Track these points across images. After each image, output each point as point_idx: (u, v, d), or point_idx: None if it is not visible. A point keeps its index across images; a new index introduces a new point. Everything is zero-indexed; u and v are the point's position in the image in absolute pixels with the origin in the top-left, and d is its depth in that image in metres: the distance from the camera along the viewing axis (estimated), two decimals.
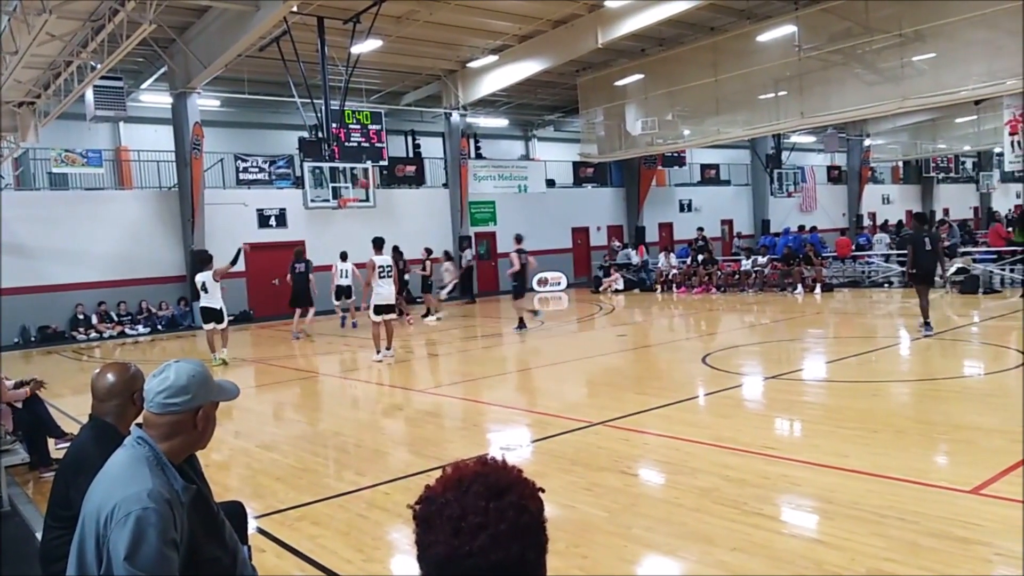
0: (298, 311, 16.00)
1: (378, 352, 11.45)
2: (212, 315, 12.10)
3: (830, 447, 5.62)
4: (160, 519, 1.97)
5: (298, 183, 21.21)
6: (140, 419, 2.26)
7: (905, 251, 14.01)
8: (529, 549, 1.12)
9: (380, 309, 11.27)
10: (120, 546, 1.93)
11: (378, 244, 11.75)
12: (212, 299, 12.01)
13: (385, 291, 11.21)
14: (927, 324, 10.91)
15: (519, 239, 14.60)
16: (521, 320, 14.39)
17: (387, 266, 11.34)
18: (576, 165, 28.26)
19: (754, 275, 20.43)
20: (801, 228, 23.51)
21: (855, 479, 4.80)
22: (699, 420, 7.07)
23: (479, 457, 1.23)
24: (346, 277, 17.15)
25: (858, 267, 20.90)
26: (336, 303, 17.74)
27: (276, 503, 5.14)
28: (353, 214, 21.33)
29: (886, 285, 18.84)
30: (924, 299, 11.05)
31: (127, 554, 1.92)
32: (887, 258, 20.34)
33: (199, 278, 12.10)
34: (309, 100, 18.58)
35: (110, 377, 2.91)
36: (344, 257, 17.42)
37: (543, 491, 1.22)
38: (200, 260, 12.56)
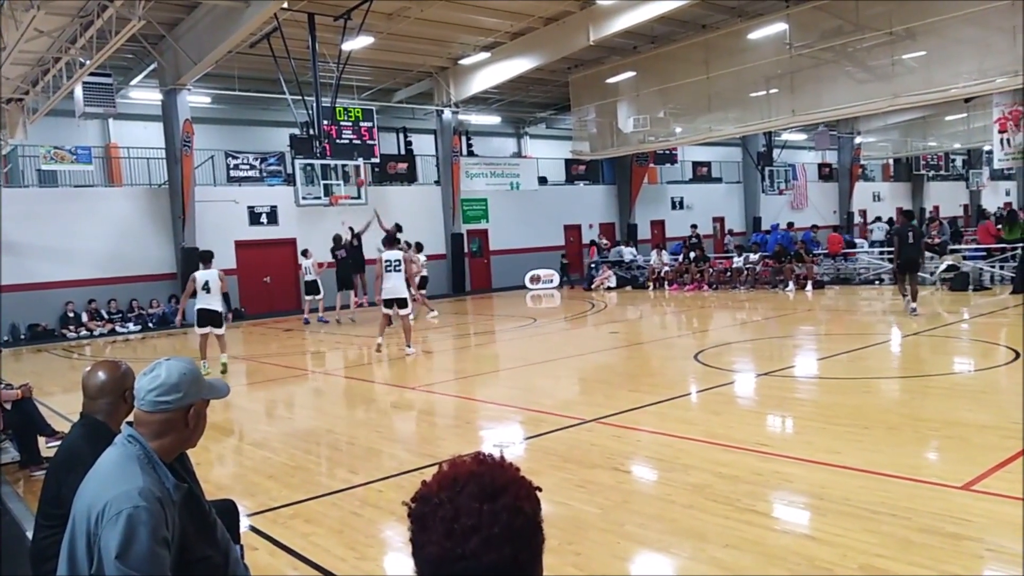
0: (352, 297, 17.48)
1: (379, 337, 11.89)
2: (211, 319, 10.76)
3: (822, 444, 5.63)
4: (151, 517, 1.96)
5: (289, 180, 21.17)
6: (131, 417, 2.24)
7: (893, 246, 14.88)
8: (523, 551, 1.11)
9: (387, 303, 11.58)
10: (111, 544, 1.92)
11: (387, 241, 11.95)
12: (213, 300, 10.68)
13: (389, 284, 11.45)
14: (913, 308, 12.43)
15: (420, 247, 17.47)
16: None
17: (395, 260, 11.54)
18: (568, 162, 28.29)
19: (746, 272, 20.48)
20: (790, 225, 23.58)
21: (847, 475, 4.82)
22: (691, 417, 7.08)
23: (476, 454, 1.22)
24: (310, 273, 17.59)
25: (849, 264, 20.98)
26: (307, 298, 17.97)
27: (269, 501, 5.13)
28: (345, 211, 21.28)
29: (876, 282, 18.91)
30: (911, 286, 12.55)
31: (118, 552, 1.91)
32: (875, 243, 20.37)
33: (200, 276, 10.73)
34: (300, 97, 18.54)
35: (101, 375, 2.89)
36: (306, 254, 17.87)
37: (540, 490, 1.21)
38: (202, 257, 11.17)
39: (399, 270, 11.51)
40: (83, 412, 2.92)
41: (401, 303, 11.55)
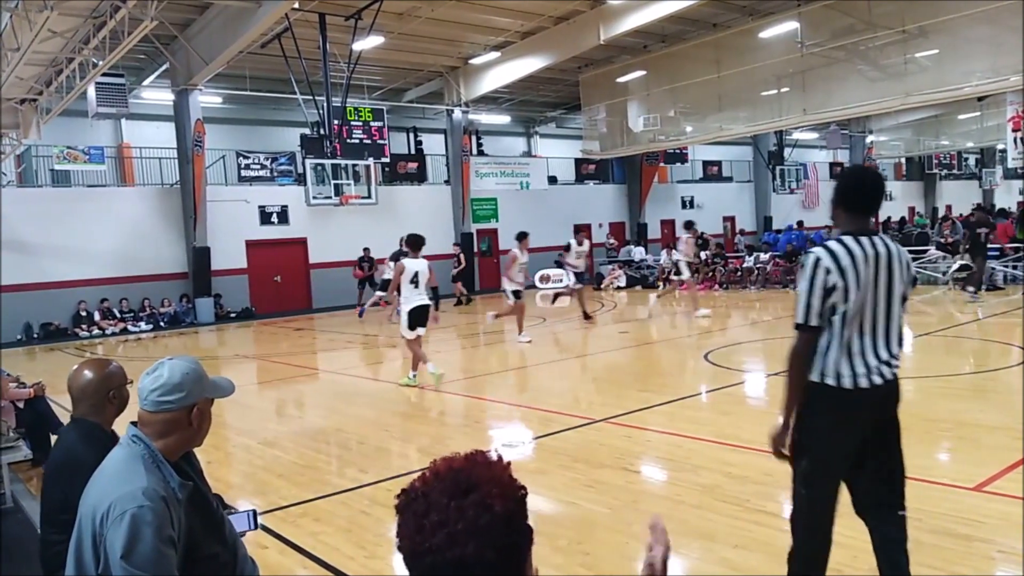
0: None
1: (521, 332, 12.56)
2: (425, 317, 8.98)
3: None
4: (156, 517, 1.96)
5: (300, 180, 21.22)
6: (136, 417, 2.25)
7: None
8: (488, 549, 1.10)
9: (516, 293, 12.55)
10: (117, 545, 1.92)
11: (520, 236, 12.75)
12: (424, 295, 8.92)
13: (520, 279, 12.60)
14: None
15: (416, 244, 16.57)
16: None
17: (523, 263, 12.60)
18: (578, 162, 28.23)
19: (756, 272, 20.41)
20: (800, 224, 23.48)
21: None
22: (701, 417, 7.06)
23: (469, 452, 1.23)
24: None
25: None
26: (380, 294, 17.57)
27: (278, 500, 5.15)
28: (355, 211, 21.35)
29: None
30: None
31: (124, 552, 1.91)
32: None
33: (411, 265, 8.76)
34: (311, 97, 18.60)
35: (86, 374, 2.81)
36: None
37: (524, 490, 1.19)
38: (411, 242, 8.99)
39: (520, 269, 12.53)
40: (73, 415, 2.85)
41: (518, 293, 12.63)
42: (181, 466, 2.24)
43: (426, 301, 8.85)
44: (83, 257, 18.73)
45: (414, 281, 8.67)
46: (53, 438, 6.37)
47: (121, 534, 1.93)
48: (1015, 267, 16.98)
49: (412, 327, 8.87)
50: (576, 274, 15.29)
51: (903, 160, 38.66)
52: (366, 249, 19.97)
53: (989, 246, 18.28)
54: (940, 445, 5.65)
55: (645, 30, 19.08)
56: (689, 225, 15.75)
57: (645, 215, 29.33)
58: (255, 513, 2.87)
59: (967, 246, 15.58)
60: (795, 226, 23.20)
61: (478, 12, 18.03)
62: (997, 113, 25.26)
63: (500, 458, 1.22)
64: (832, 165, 35.78)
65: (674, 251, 15.89)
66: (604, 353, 11.42)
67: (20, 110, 16.78)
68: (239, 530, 2.73)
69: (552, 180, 27.38)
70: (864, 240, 2.80)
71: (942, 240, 18.78)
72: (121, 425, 2.66)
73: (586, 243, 15.58)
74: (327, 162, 19.46)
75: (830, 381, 2.85)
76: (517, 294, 12.51)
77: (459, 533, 1.10)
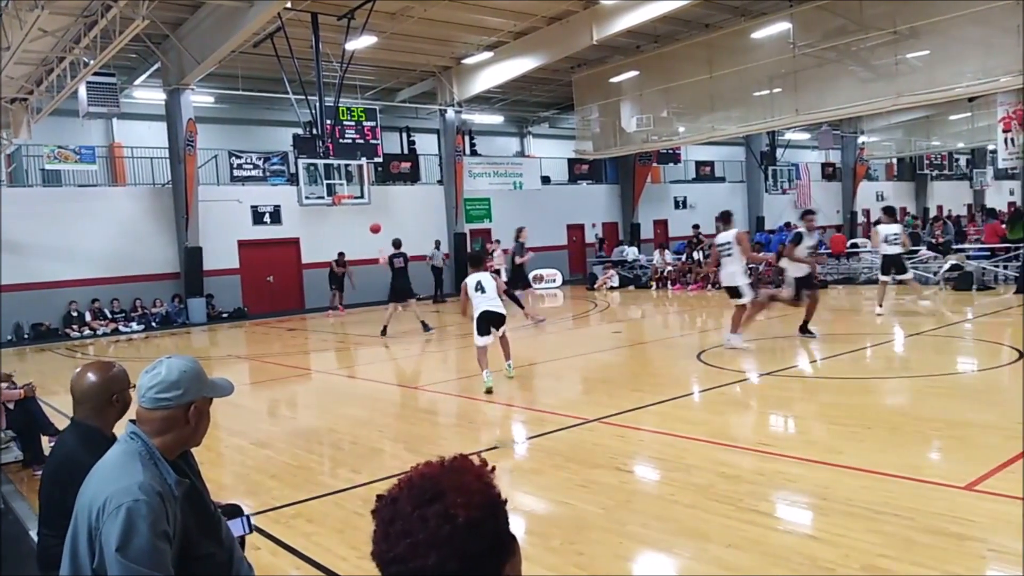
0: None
1: (735, 333, 10.57)
2: (492, 322, 8.96)
3: (824, 443, 5.63)
4: (151, 511, 1.96)
5: (292, 180, 21.18)
6: (134, 414, 2.25)
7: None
8: (450, 559, 1.10)
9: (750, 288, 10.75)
10: (112, 538, 1.93)
11: (724, 218, 10.87)
12: (494, 300, 8.95)
13: (729, 268, 10.62)
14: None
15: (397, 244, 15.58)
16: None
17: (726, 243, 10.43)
18: (571, 162, 28.28)
19: (749, 272, 20.42)
20: (787, 225, 23.56)
21: (849, 475, 4.81)
22: (694, 417, 7.07)
23: (449, 458, 1.22)
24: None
25: (852, 263, 20.94)
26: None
27: (271, 500, 5.13)
28: (348, 211, 21.29)
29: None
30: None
31: (119, 545, 1.92)
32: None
33: (472, 277, 9.04)
34: (303, 97, 18.55)
35: (89, 377, 2.79)
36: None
37: (498, 499, 1.18)
38: (473, 260, 9.49)
39: (727, 252, 10.47)
40: (73, 417, 2.82)
41: (734, 292, 10.63)
42: (179, 465, 2.24)
43: (496, 307, 8.79)
44: (74, 257, 18.65)
45: (478, 288, 8.78)
46: (43, 439, 6.34)
47: (116, 527, 1.93)
48: (1006, 267, 17.06)
49: (480, 332, 8.83)
50: (801, 278, 11.14)
51: (894, 161, 38.87)
52: (341, 254, 19.91)
53: (980, 246, 18.44)
54: (932, 444, 5.67)
55: (638, 30, 19.11)
56: (890, 212, 13.16)
57: (638, 215, 29.38)
58: (248, 518, 2.86)
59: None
60: (787, 226, 23.25)
61: (471, 12, 18.03)
62: (988, 114, 25.41)
63: (484, 463, 1.21)
64: (824, 166, 35.94)
65: (884, 244, 12.82)
66: (597, 353, 11.42)
67: (10, 109, 16.68)
68: (236, 535, 2.73)
69: (545, 180, 27.40)
70: None
71: (933, 240, 18.87)
72: (121, 426, 2.65)
73: (816, 234, 11.68)
74: (320, 162, 19.41)
75: None
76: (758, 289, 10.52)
77: (420, 544, 1.09)
